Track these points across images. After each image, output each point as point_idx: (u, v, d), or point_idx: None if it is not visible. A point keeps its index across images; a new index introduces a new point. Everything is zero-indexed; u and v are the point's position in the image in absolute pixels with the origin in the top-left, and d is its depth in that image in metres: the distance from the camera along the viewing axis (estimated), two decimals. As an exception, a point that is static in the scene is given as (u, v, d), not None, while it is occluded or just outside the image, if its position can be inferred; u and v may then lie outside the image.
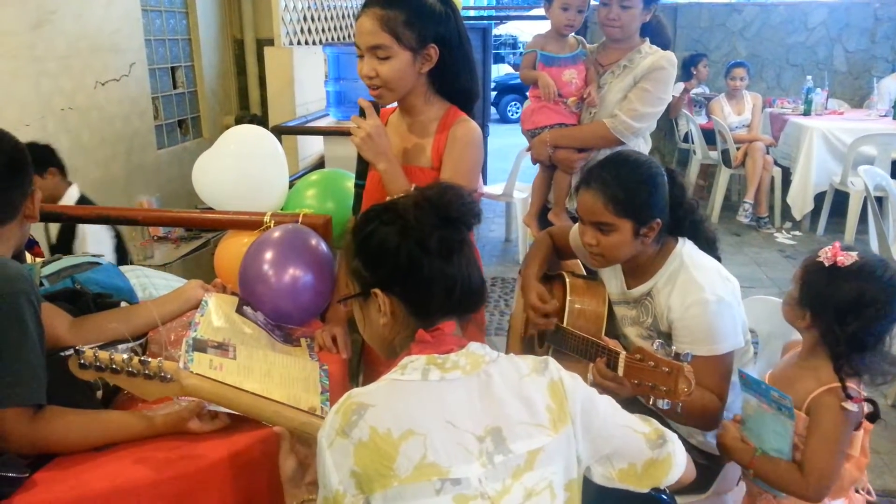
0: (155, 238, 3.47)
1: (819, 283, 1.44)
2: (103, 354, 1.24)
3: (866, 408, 1.43)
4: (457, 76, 1.72)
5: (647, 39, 2.41)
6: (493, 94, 13.10)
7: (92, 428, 1.28)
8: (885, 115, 5.34)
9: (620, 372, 1.39)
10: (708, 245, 1.71)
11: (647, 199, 1.59)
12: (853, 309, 1.39)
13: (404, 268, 1.11)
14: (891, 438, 2.73)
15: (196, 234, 3.55)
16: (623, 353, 1.40)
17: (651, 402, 1.32)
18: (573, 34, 2.56)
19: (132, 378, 1.25)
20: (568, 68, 2.51)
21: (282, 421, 1.26)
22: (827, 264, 1.43)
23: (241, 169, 2.07)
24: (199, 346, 1.44)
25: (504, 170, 5.15)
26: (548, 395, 1.10)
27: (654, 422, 1.21)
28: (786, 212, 5.39)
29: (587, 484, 1.14)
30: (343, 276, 1.28)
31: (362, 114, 1.65)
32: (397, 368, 1.08)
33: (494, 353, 1.13)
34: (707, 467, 1.66)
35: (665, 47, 2.43)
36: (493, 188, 4.96)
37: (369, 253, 1.14)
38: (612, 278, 1.80)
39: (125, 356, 1.26)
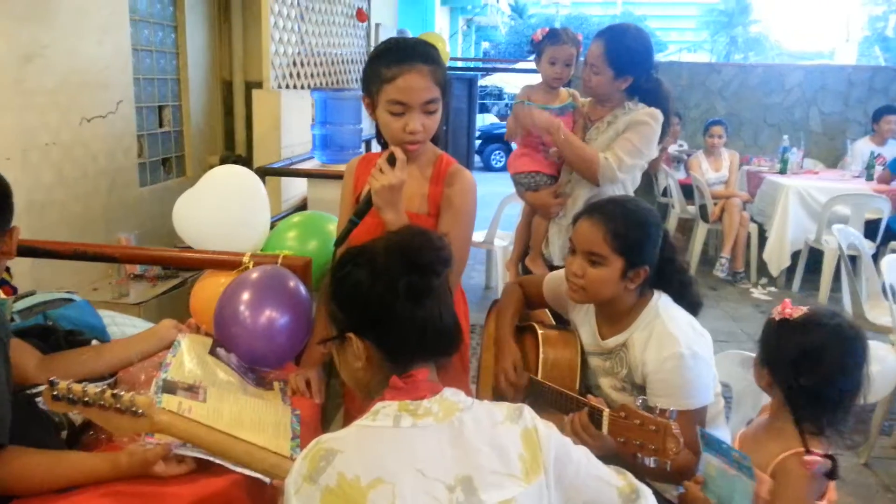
0: (131, 276, 3.43)
1: (771, 339, 1.45)
2: (76, 386, 1.23)
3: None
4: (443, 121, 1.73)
5: (636, 98, 2.44)
6: (478, 142, 13.28)
7: (54, 469, 1.24)
8: (858, 177, 5.47)
9: (605, 430, 1.38)
10: (691, 309, 1.71)
11: (644, 244, 1.63)
12: (804, 360, 1.39)
13: (375, 312, 1.11)
14: (863, 496, 2.72)
15: (173, 273, 3.51)
16: (607, 411, 1.39)
17: (639, 460, 1.30)
18: (566, 87, 2.65)
19: (103, 411, 1.23)
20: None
21: (252, 462, 1.25)
22: (777, 318, 1.44)
23: (222, 208, 2.07)
24: (169, 387, 1.42)
25: (486, 217, 5.18)
26: (521, 444, 1.09)
27: (629, 475, 1.20)
28: (762, 267, 5.47)
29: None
30: (322, 318, 1.28)
31: (390, 159, 1.58)
32: (369, 414, 1.07)
33: (469, 400, 1.12)
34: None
35: (662, 112, 2.41)
36: (475, 235, 4.97)
37: (344, 295, 1.15)
38: (586, 326, 1.79)
39: (98, 388, 1.24)
